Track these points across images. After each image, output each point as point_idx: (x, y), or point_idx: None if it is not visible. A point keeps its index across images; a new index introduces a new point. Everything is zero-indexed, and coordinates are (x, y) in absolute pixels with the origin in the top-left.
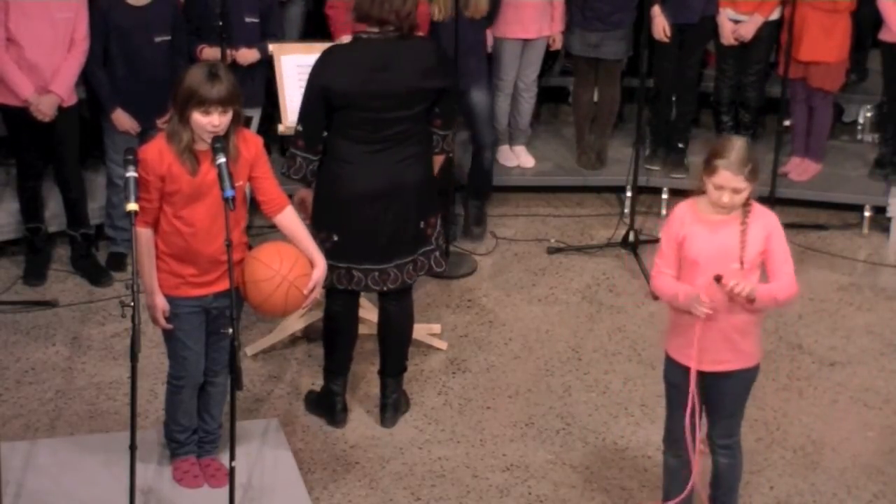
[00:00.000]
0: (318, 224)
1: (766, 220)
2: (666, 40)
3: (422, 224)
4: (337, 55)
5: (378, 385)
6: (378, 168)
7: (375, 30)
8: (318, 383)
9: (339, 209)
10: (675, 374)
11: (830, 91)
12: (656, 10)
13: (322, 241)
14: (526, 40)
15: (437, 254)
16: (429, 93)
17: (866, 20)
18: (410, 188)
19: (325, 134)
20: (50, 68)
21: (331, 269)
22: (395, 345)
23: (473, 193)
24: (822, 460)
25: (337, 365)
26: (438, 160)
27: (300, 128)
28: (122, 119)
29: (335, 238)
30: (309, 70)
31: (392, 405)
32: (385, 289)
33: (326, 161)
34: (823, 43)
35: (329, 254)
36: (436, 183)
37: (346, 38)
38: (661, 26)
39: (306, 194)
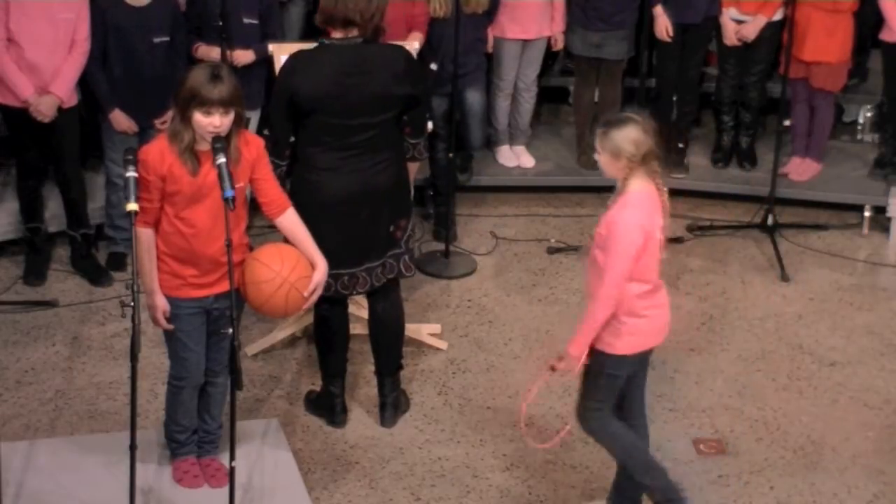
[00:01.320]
0: None
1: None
2: (668, 40)
3: (391, 227)
4: (303, 60)
5: (367, 385)
6: (351, 174)
7: (339, 35)
8: (317, 384)
9: (314, 217)
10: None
11: (833, 91)
12: (659, 10)
13: None
14: (526, 40)
15: (407, 257)
16: (398, 99)
17: (867, 20)
18: (382, 192)
19: (293, 140)
20: (50, 69)
21: None
22: (388, 342)
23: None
24: (822, 460)
25: (333, 367)
26: (413, 167)
27: (266, 132)
28: (121, 119)
29: None
30: None
31: (391, 404)
32: (354, 293)
33: (299, 169)
34: (826, 43)
35: None
36: (407, 187)
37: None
38: (663, 26)
39: None
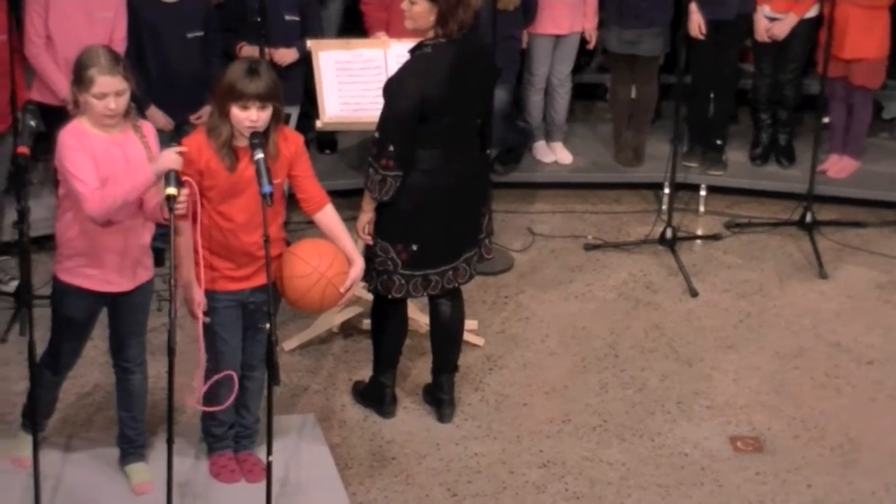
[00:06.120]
0: (393, 237)
1: None
2: (701, 37)
3: (480, 214)
4: (423, 64)
5: (405, 380)
6: (452, 171)
7: (442, 33)
8: (354, 378)
9: (418, 218)
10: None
11: (871, 88)
12: (693, 7)
13: (398, 254)
14: (558, 36)
15: (487, 241)
16: (490, 92)
17: None
18: (476, 183)
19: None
20: None
21: (405, 279)
22: (450, 342)
23: None
24: (860, 458)
25: (388, 358)
26: None
27: (391, 149)
28: (157, 116)
29: (413, 248)
30: (347, 66)
31: (449, 402)
32: (457, 285)
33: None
34: (865, 40)
35: (405, 265)
36: (489, 172)
37: (381, 34)
38: (696, 23)
39: (370, 216)
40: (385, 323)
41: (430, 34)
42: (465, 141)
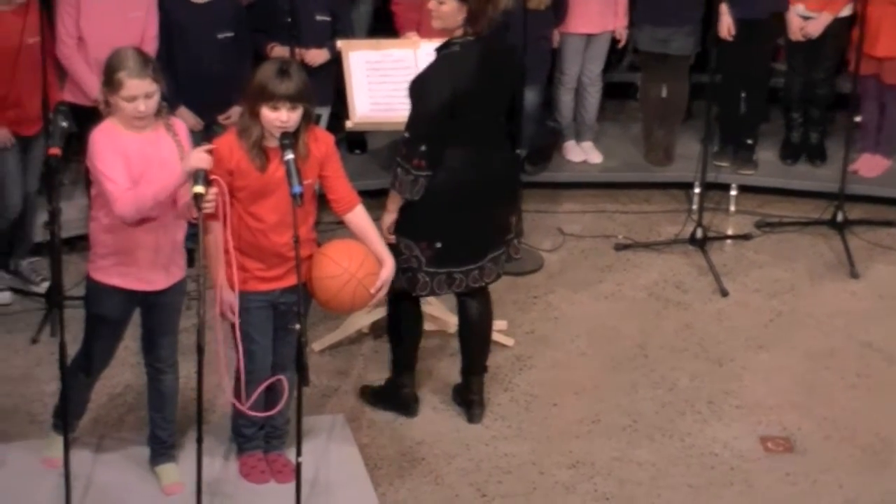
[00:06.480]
0: (417, 235)
1: None
2: (729, 39)
3: (509, 213)
4: (453, 62)
5: (434, 381)
6: (478, 168)
7: (471, 30)
8: (382, 378)
9: (443, 215)
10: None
11: None
12: (723, 8)
13: (422, 251)
14: (590, 35)
15: (516, 241)
16: (514, 89)
17: None
18: (503, 181)
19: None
20: None
21: (430, 276)
22: (480, 343)
23: None
24: (892, 459)
25: (407, 359)
26: None
27: (423, 148)
28: (186, 117)
29: (438, 245)
30: (377, 66)
31: (478, 402)
32: (482, 284)
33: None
34: None
35: (429, 262)
36: (518, 171)
37: (412, 35)
38: (726, 24)
39: (395, 217)
40: (400, 325)
41: (459, 32)
42: (493, 140)
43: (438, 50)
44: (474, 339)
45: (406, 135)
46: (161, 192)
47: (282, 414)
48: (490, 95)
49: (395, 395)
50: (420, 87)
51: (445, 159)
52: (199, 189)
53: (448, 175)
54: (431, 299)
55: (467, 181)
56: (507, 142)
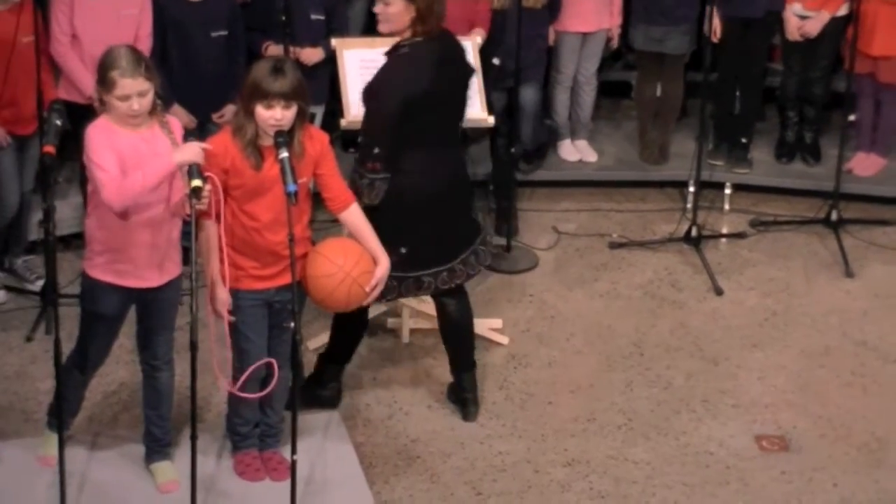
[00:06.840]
0: (382, 241)
1: None
2: (715, 41)
3: (474, 214)
4: (403, 64)
5: (430, 380)
6: (438, 170)
7: (421, 30)
8: (378, 378)
9: (406, 221)
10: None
11: None
12: (713, 10)
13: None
14: (585, 34)
15: (487, 236)
16: (469, 87)
17: None
18: (463, 181)
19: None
20: None
21: (398, 281)
22: (462, 339)
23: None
24: (886, 458)
25: (339, 354)
26: None
27: (377, 151)
28: (180, 114)
29: (402, 251)
30: (372, 65)
31: (473, 400)
32: (453, 285)
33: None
34: (893, 37)
35: (396, 267)
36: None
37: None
38: (712, 26)
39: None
40: (346, 323)
41: (407, 34)
42: (449, 140)
43: (388, 53)
44: (456, 336)
45: (360, 139)
46: (149, 177)
47: (276, 412)
48: (445, 95)
49: (321, 377)
50: (372, 92)
51: (404, 163)
52: (198, 183)
53: (409, 179)
54: (426, 298)
55: (427, 184)
56: (462, 142)
